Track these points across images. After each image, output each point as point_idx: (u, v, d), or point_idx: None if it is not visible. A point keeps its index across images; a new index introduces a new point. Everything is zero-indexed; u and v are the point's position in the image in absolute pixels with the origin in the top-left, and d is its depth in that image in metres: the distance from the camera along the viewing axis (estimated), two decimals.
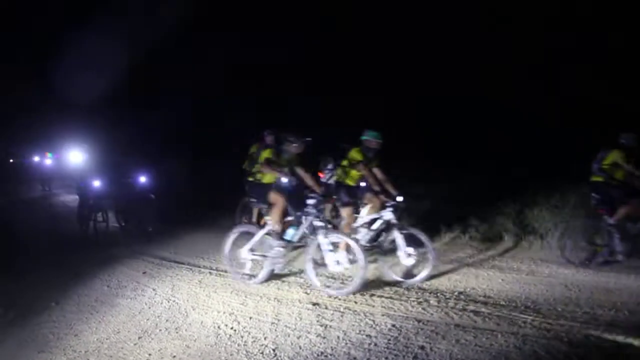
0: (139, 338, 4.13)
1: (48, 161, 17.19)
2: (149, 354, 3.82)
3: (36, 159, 20.37)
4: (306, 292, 4.76)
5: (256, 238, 5.17)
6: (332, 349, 3.53)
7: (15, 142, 23.90)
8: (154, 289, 5.29)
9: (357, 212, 5.71)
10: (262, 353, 3.58)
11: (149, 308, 4.78)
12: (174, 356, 3.73)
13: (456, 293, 4.49)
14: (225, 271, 5.71)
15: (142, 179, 8.32)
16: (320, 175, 6.50)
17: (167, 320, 4.42)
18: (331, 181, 6.19)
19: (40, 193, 16.37)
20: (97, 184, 8.30)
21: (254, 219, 6.92)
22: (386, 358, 3.33)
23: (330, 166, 6.34)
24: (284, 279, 5.27)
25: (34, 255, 7.16)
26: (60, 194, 15.65)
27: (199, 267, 6.04)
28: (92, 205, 8.59)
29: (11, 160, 23.15)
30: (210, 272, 5.74)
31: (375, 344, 3.53)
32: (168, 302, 4.87)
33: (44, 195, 16.07)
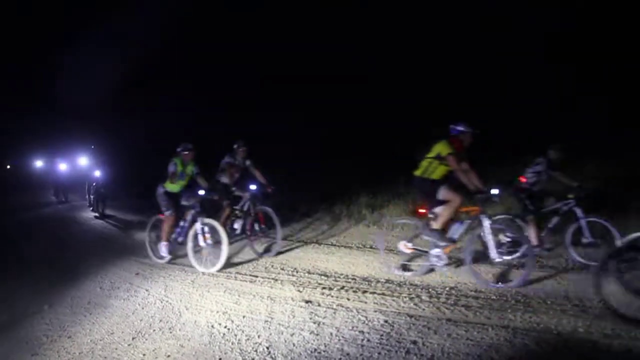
0: (133, 339, 4.14)
1: (62, 166, 13.86)
2: (143, 354, 3.83)
3: (39, 163, 17.93)
4: (299, 290, 4.78)
5: (416, 232, 5.17)
6: (326, 346, 3.56)
7: (16, 145, 21.89)
8: (147, 290, 5.30)
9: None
10: (256, 351, 3.61)
11: (143, 309, 4.79)
12: (168, 356, 3.75)
13: (447, 288, 4.53)
14: (218, 270, 5.73)
15: (252, 187, 6.66)
16: (522, 179, 5.64)
17: (160, 321, 4.43)
18: (536, 187, 5.56)
19: (57, 207, 13.45)
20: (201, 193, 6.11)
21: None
22: (379, 353, 3.36)
23: (538, 167, 5.52)
24: (276, 277, 5.30)
25: None
26: (79, 207, 12.82)
27: (192, 267, 6.03)
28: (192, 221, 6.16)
29: (8, 167, 20.77)
30: (202, 272, 5.74)
31: (368, 340, 3.57)
32: (161, 302, 4.88)
33: (63, 209, 12.96)
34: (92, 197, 11.66)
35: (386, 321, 3.85)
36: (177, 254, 6.59)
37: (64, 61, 20.73)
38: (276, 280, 5.18)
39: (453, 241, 4.93)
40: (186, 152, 6.11)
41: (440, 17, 14.61)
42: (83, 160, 13.48)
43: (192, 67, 21.16)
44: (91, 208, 11.71)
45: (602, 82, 10.32)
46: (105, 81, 19.05)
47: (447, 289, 4.50)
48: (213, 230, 5.80)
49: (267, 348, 3.63)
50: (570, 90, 10.75)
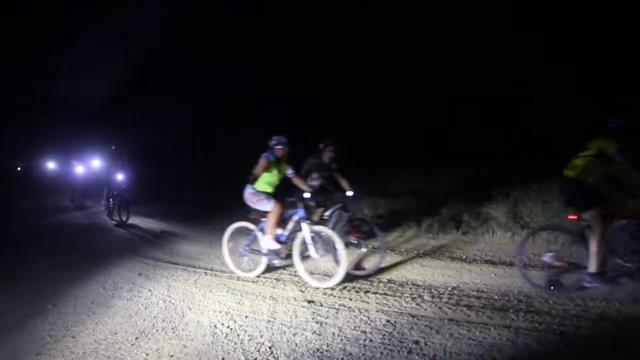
0: (136, 338, 4.15)
1: (79, 169, 12.82)
2: (147, 354, 3.84)
3: (50, 165, 16.96)
4: (301, 290, 4.80)
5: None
6: (328, 345, 3.57)
7: (26, 146, 20.74)
8: (149, 290, 5.31)
9: None
10: (258, 351, 3.62)
11: (146, 309, 4.81)
12: (172, 356, 3.76)
13: (450, 288, 4.54)
14: (221, 271, 5.74)
15: (349, 193, 5.90)
16: None
17: (163, 321, 4.45)
18: None
19: (74, 213, 12.06)
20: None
21: None
22: (381, 353, 3.37)
23: None
24: (278, 277, 5.31)
25: None
26: (99, 213, 11.43)
27: (194, 267, 6.06)
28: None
29: (18, 168, 19.32)
30: (205, 273, 5.76)
31: (371, 340, 3.58)
32: (164, 302, 4.90)
33: (81, 216, 11.60)
34: (111, 202, 10.42)
35: (388, 321, 3.86)
36: (174, 253, 6.58)
37: (69, 61, 20.76)
38: (278, 280, 5.20)
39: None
40: (280, 147, 5.24)
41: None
42: (96, 162, 12.54)
43: (201, 67, 21.21)
44: (108, 213, 10.51)
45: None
46: (113, 81, 19.09)
47: (449, 288, 4.51)
48: (325, 239, 5.03)
49: (270, 348, 3.64)
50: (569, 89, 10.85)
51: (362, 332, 3.72)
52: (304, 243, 5.06)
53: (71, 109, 20.84)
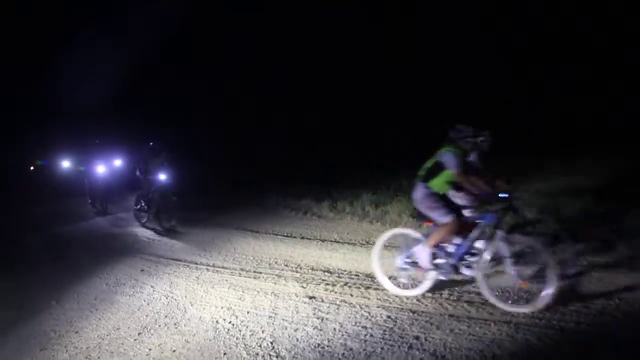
0: (139, 334, 4.19)
1: (101, 169, 11.24)
2: (149, 349, 3.88)
3: (65, 164, 15.41)
4: (302, 286, 4.82)
5: None
6: (329, 341, 3.60)
7: (43, 143, 19.47)
8: (152, 286, 5.35)
9: None
10: (260, 346, 3.65)
11: (148, 304, 4.85)
12: (174, 351, 3.80)
13: (450, 284, 4.52)
14: (223, 267, 5.77)
15: (502, 195, 4.51)
16: None
17: (166, 316, 4.49)
18: None
19: (96, 220, 10.35)
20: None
21: None
22: (382, 348, 3.40)
23: None
24: (279, 273, 5.33)
25: None
26: (126, 220, 9.61)
27: (196, 264, 6.08)
28: None
29: (32, 168, 18.54)
30: (207, 269, 5.78)
31: (371, 335, 3.61)
32: (166, 298, 4.93)
33: (106, 223, 9.83)
34: (143, 205, 8.84)
35: (389, 317, 3.88)
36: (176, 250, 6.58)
37: (71, 60, 20.79)
38: (280, 276, 5.22)
39: None
40: (469, 140, 4.30)
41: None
42: (118, 162, 11.64)
43: (202, 67, 21.26)
44: (140, 219, 8.92)
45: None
46: (121, 80, 19.15)
47: (450, 284, 4.52)
48: (528, 252, 3.97)
49: (271, 343, 3.68)
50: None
51: (363, 327, 3.75)
52: (493, 256, 4.04)
53: (80, 108, 20.75)
